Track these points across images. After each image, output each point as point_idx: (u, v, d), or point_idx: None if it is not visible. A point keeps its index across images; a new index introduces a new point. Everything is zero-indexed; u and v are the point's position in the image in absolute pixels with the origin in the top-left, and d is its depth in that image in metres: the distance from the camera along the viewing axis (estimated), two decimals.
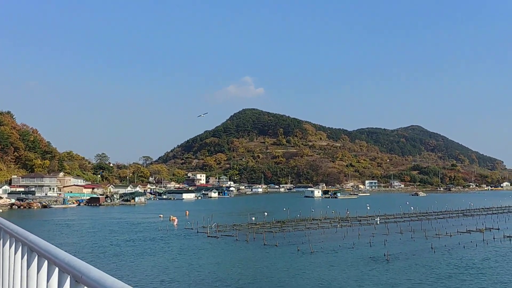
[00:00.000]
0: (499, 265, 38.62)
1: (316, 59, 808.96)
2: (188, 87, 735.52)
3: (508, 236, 55.55)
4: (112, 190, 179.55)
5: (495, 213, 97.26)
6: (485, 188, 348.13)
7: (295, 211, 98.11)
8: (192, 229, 67.50)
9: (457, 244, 50.05)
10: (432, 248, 47.17)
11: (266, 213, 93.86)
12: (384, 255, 42.72)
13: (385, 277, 34.06)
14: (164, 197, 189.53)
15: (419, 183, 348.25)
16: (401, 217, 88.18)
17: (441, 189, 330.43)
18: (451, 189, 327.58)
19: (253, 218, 79.87)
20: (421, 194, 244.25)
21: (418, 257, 42.33)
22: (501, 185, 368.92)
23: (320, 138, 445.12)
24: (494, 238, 54.20)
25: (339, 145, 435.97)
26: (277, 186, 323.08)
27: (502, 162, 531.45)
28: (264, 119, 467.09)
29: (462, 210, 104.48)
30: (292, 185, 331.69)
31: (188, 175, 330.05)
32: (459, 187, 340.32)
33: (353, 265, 38.69)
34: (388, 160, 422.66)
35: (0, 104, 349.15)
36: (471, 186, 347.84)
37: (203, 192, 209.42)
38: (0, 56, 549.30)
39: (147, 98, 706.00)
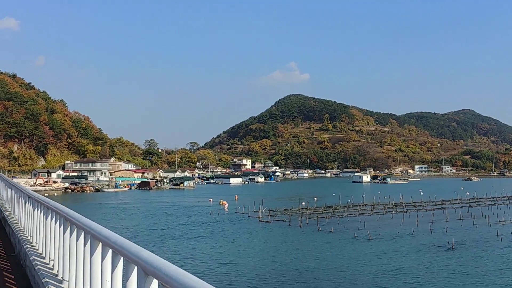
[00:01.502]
0: None
1: (362, 43, 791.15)
2: (233, 74, 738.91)
3: None
4: (161, 175, 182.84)
5: None
6: None
7: (345, 196, 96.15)
8: (243, 213, 67.11)
9: None
10: (498, 235, 44.47)
11: (315, 198, 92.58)
12: (448, 242, 40.57)
13: (453, 265, 32.10)
14: (212, 181, 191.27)
15: (471, 168, 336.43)
16: (458, 203, 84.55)
17: (495, 174, 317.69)
18: (505, 173, 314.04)
19: (303, 203, 78.74)
20: (475, 179, 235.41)
21: (485, 245, 39.92)
22: None
23: (368, 123, 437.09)
24: None
25: (387, 129, 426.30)
26: (323, 171, 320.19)
27: None
28: (309, 104, 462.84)
29: None
30: (338, 170, 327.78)
31: (234, 160, 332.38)
32: None
33: (417, 253, 36.85)
34: (438, 144, 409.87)
35: (53, 93, 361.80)
36: None
37: (250, 177, 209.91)
38: (54, 47, 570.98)
39: (194, 85, 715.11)
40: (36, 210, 8.40)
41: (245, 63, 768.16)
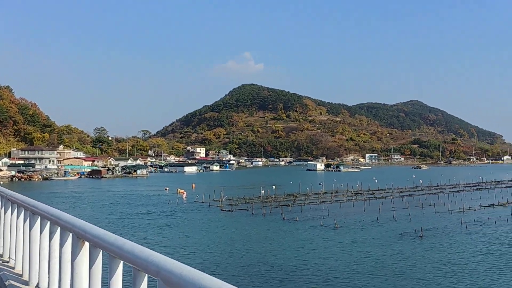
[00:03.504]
0: None
1: (315, 34, 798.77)
2: (187, 62, 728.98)
3: None
4: (112, 163, 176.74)
5: (510, 187, 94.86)
6: (486, 162, 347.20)
7: (303, 184, 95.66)
8: (203, 202, 64.89)
9: (487, 219, 47.51)
10: (462, 223, 44.63)
11: (274, 187, 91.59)
12: (415, 230, 40.22)
13: (425, 254, 31.43)
14: (166, 170, 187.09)
15: (419, 157, 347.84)
16: (415, 190, 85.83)
17: (442, 162, 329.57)
18: (452, 162, 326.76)
19: (263, 192, 77.46)
20: (424, 167, 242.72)
21: (452, 233, 39.76)
22: (502, 158, 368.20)
23: (320, 113, 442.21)
24: None
25: (339, 119, 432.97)
26: (277, 160, 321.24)
27: (502, 136, 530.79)
28: (263, 94, 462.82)
29: (474, 184, 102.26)
30: (292, 158, 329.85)
31: (188, 148, 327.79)
32: (460, 160, 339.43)
33: (387, 241, 36.07)
34: (388, 134, 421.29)
35: None
36: (471, 160, 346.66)
37: (205, 165, 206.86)
38: None
39: (145, 71, 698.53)
40: None
41: (199, 52, 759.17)
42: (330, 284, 24.42)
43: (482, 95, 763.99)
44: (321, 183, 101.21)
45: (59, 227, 3.72)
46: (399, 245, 34.80)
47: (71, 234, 3.32)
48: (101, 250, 2.88)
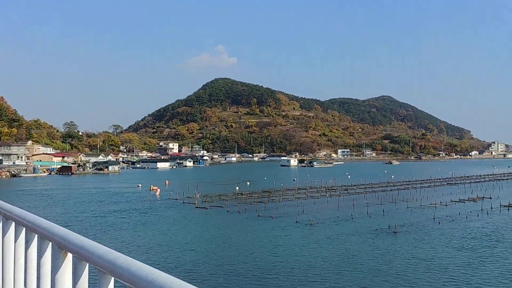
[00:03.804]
0: None
1: (289, 28, 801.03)
2: (159, 56, 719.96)
3: (506, 206, 54.46)
4: (83, 159, 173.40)
5: (479, 182, 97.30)
6: (455, 157, 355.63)
7: (277, 180, 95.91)
8: (177, 199, 64.20)
9: (458, 214, 48.42)
10: (434, 218, 45.36)
11: (249, 183, 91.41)
12: (389, 226, 40.65)
13: (400, 249, 31.74)
14: (138, 166, 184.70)
15: (390, 152, 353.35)
16: (387, 186, 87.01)
17: (412, 157, 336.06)
18: (422, 157, 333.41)
19: (237, 188, 77.24)
20: (395, 162, 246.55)
21: (425, 228, 40.31)
22: (470, 154, 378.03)
23: (293, 108, 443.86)
24: (492, 208, 52.89)
25: (312, 115, 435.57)
26: (251, 155, 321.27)
27: (470, 131, 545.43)
28: (237, 88, 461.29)
29: (445, 179, 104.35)
30: (265, 154, 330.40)
31: (160, 144, 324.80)
32: (429, 155, 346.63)
33: (362, 237, 36.30)
34: (359, 129, 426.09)
35: None
36: (441, 155, 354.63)
37: (178, 161, 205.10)
38: None
39: (116, 64, 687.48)
40: None
41: (171, 45, 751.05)
42: (308, 281, 24.36)
43: (450, 91, 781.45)
44: (295, 179, 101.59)
45: (36, 235, 3.29)
46: (374, 241, 35.08)
47: (51, 244, 2.93)
48: (88, 264, 2.51)
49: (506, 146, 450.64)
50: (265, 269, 27.00)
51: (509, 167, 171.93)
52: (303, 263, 28.35)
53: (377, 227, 40.88)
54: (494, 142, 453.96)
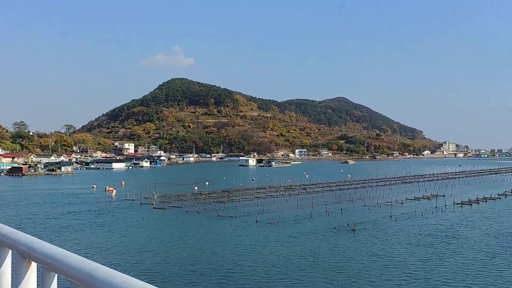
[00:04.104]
0: (468, 231, 38.14)
1: (246, 29, 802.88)
2: (114, 55, 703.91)
3: (459, 203, 56.37)
4: (34, 160, 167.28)
5: (432, 180, 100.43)
6: (408, 156, 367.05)
7: (236, 180, 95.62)
8: (134, 200, 62.78)
9: (414, 212, 49.70)
10: (391, 216, 46.35)
11: (207, 183, 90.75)
12: (348, 224, 41.17)
13: (359, 247, 32.10)
14: (92, 166, 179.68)
15: (346, 152, 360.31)
16: (344, 185, 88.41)
17: (367, 157, 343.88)
18: (376, 157, 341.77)
19: (196, 188, 76.42)
20: (351, 162, 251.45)
21: (383, 226, 41.07)
22: (422, 153, 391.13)
23: (251, 109, 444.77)
24: (445, 205, 54.62)
25: (270, 115, 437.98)
26: (209, 155, 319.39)
27: (422, 132, 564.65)
28: (194, 89, 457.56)
29: (399, 178, 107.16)
30: (223, 154, 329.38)
31: (115, 144, 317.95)
32: (384, 155, 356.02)
33: (322, 236, 36.53)
34: (316, 130, 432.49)
35: None
36: (394, 154, 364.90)
37: (134, 161, 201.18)
38: None
39: (69, 62, 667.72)
40: None
41: (126, 45, 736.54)
42: (271, 280, 24.19)
43: (404, 92, 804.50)
44: (254, 179, 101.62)
45: None
46: (334, 239, 35.37)
47: (10, 251, 2.63)
48: (56, 275, 2.24)
49: (457, 146, 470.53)
50: (227, 268, 26.64)
51: (460, 166, 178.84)
52: (265, 262, 28.18)
53: (336, 225, 41.32)
54: (445, 142, 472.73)
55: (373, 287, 22.92)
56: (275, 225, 41.57)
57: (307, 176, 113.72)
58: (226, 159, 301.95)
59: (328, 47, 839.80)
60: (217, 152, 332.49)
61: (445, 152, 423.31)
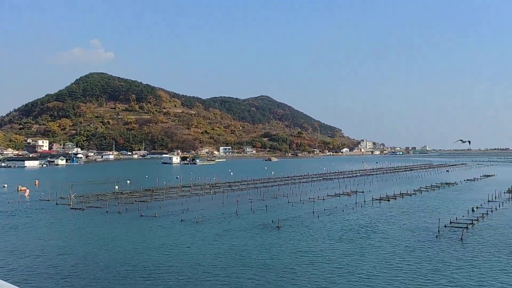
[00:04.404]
0: (387, 225, 39.88)
1: (167, 23, 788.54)
2: (26, 48, 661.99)
3: (377, 199, 58.98)
4: None
5: (351, 177, 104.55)
6: (328, 154, 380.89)
7: (160, 178, 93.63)
8: (48, 200, 59.26)
9: (335, 208, 51.21)
10: (314, 212, 47.42)
11: (129, 181, 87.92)
12: (272, 221, 41.52)
13: (285, 244, 32.40)
14: (3, 165, 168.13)
15: (269, 149, 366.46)
16: (268, 182, 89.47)
17: (289, 154, 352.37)
18: (298, 154, 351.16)
19: (116, 187, 73.66)
20: (274, 159, 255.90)
21: (306, 222, 41.87)
22: (341, 151, 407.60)
23: (175, 105, 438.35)
24: (365, 201, 56.87)
25: (194, 112, 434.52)
26: (130, 153, 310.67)
27: (341, 130, 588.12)
28: (114, 84, 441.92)
29: (321, 174, 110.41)
30: (146, 151, 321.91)
31: (28, 141, 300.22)
32: (305, 152, 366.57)
33: (248, 233, 36.48)
34: (240, 127, 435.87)
35: None
36: (315, 152, 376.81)
37: (48, 159, 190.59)
38: None
39: None
40: None
41: (40, 38, 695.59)
42: (198, 280, 23.66)
43: (323, 92, 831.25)
44: (179, 177, 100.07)
45: None
46: (260, 236, 35.46)
47: None
48: None
49: (374, 143, 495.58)
50: (151, 269, 25.70)
51: (377, 163, 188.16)
52: (191, 261, 27.57)
53: (261, 223, 41.52)
54: (363, 140, 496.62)
55: (300, 282, 23.15)
56: (200, 224, 40.96)
57: (232, 173, 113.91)
58: (148, 156, 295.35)
59: (250, 46, 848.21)
60: (139, 150, 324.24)
61: (362, 150, 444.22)
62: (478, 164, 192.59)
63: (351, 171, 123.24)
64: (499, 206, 52.86)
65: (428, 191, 72.47)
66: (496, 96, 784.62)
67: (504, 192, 67.34)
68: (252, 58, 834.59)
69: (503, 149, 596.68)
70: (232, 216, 45.76)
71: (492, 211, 48.30)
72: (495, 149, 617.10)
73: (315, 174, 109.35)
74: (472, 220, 41.19)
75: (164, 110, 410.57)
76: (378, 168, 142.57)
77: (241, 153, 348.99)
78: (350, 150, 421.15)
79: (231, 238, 34.70)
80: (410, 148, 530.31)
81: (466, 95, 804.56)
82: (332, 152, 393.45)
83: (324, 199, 59.92)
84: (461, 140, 46.36)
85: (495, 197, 60.46)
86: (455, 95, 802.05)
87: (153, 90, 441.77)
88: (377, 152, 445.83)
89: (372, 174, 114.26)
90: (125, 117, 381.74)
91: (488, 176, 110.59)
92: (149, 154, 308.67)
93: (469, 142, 46.22)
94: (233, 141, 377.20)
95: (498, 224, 40.49)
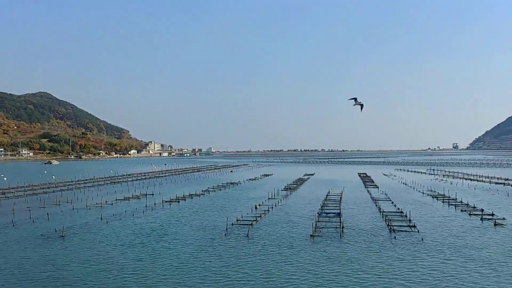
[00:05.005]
0: (178, 226, 40.72)
1: None
2: None
3: (167, 201, 59.91)
4: None
5: (140, 179, 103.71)
6: (115, 156, 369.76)
7: None
8: None
9: (124, 212, 50.22)
10: (102, 218, 45.72)
11: None
12: (56, 230, 38.61)
13: (71, 254, 30.38)
14: None
15: (49, 151, 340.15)
16: (49, 187, 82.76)
17: (72, 157, 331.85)
18: (82, 156, 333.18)
19: None
20: (55, 162, 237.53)
21: (94, 229, 39.98)
22: (129, 152, 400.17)
23: None
24: (155, 204, 57.15)
25: None
26: None
27: (128, 131, 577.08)
28: None
29: (108, 178, 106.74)
30: None
31: None
32: (90, 154, 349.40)
33: (28, 245, 33.00)
34: (15, 127, 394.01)
35: None
36: (101, 154, 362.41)
37: None
38: None
39: None
40: None
41: None
42: None
43: (114, 90, 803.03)
44: None
45: None
46: (41, 247, 32.50)
47: None
48: None
49: (162, 145, 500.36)
50: None
51: (165, 164, 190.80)
52: None
53: (43, 232, 38.19)
54: (151, 142, 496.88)
55: None
56: None
57: (5, 179, 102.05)
58: None
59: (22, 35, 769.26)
60: None
61: (151, 152, 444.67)
62: (258, 164, 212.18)
63: (140, 173, 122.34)
64: (278, 202, 59.13)
65: (215, 191, 76.82)
66: (270, 108, 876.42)
67: (282, 190, 75.87)
68: (25, 48, 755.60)
69: (277, 150, 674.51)
70: (8, 227, 40.95)
71: (272, 207, 53.75)
72: (271, 150, 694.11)
73: (102, 178, 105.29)
74: (255, 217, 45.13)
75: None
76: (167, 170, 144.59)
77: (16, 155, 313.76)
78: (138, 152, 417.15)
79: (8, 251, 31.03)
80: (197, 150, 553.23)
81: (246, 104, 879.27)
82: (120, 154, 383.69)
83: (112, 204, 58.22)
84: (354, 99, 49.65)
85: (274, 195, 67.46)
86: (237, 102, 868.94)
87: None
88: (166, 154, 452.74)
89: (162, 176, 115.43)
90: None
91: (267, 175, 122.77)
92: None
93: (361, 106, 49.69)
94: (6, 142, 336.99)
95: (277, 219, 45.24)
